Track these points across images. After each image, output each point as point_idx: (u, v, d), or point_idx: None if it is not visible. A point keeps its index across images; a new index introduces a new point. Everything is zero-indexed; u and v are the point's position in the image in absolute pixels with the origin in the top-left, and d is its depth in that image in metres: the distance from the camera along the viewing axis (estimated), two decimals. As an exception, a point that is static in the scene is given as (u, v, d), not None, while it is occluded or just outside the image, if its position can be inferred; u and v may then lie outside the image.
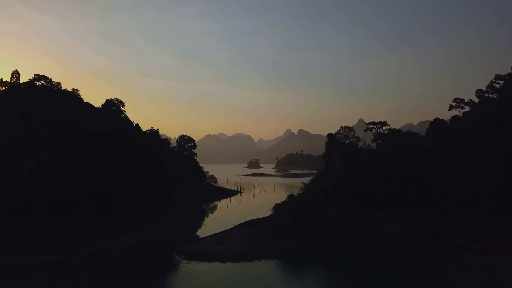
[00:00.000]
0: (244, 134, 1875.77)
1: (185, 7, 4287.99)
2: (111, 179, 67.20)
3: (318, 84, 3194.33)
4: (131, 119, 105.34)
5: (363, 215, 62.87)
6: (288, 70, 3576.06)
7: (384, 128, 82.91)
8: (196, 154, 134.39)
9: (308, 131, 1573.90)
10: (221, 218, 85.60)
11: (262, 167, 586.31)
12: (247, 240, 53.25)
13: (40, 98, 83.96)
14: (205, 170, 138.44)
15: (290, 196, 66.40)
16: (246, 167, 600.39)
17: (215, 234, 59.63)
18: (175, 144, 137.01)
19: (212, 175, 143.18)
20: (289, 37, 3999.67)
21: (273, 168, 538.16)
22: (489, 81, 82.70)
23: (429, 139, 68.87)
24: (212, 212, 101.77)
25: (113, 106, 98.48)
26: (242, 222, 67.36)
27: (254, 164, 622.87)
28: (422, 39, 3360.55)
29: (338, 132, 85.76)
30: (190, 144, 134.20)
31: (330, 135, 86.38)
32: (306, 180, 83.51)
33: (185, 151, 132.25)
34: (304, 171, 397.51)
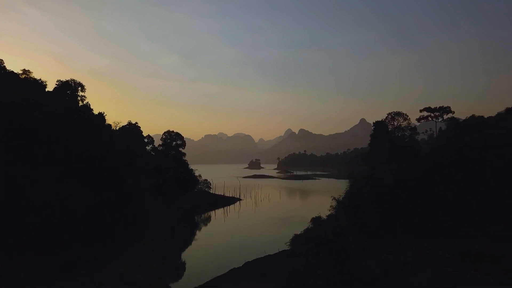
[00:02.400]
0: (245, 134, 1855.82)
1: (186, 6, 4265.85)
2: (40, 192, 42.29)
3: (319, 85, 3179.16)
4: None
5: (445, 252, 38.50)
6: (289, 71, 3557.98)
7: (445, 116, 57.90)
8: (184, 154, 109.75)
9: (310, 131, 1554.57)
10: (210, 244, 61.33)
11: (263, 168, 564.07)
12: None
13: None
14: (197, 173, 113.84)
15: (316, 221, 41.98)
16: (246, 168, 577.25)
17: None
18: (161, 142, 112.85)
19: (206, 180, 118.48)
20: (290, 37, 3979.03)
21: (275, 169, 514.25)
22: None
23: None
24: (198, 233, 77.20)
25: (69, 90, 74.02)
26: (240, 263, 42.65)
27: (254, 164, 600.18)
28: (424, 40, 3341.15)
29: (386, 121, 59.98)
30: (178, 142, 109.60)
31: (378, 124, 59.85)
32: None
33: (171, 150, 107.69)
34: (308, 172, 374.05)
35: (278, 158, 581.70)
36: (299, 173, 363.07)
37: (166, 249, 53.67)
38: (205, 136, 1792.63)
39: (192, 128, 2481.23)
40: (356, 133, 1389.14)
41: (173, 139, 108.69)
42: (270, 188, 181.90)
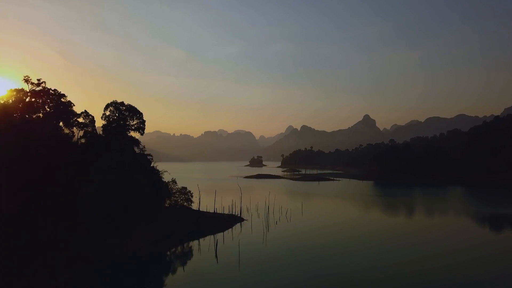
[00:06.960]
0: (245, 130, 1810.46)
1: (187, 1, 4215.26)
2: None
3: (322, 82, 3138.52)
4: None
5: None
6: (292, 68, 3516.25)
7: None
8: (139, 142, 62.45)
9: (312, 127, 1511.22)
10: None
11: (265, 166, 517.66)
12: None
13: None
14: (169, 179, 67.06)
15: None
16: (247, 166, 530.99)
17: None
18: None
19: (184, 188, 71.11)
20: (292, 35, 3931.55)
21: (279, 167, 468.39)
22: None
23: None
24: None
25: None
26: None
27: (256, 162, 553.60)
28: (425, 38, 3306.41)
29: None
30: (132, 124, 62.51)
31: None
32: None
33: (118, 135, 60.55)
34: (318, 171, 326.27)
35: (282, 155, 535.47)
36: (310, 172, 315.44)
37: None
38: (205, 132, 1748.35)
39: (192, 125, 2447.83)
40: (360, 130, 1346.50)
41: (122, 117, 61.39)
42: (280, 193, 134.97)
